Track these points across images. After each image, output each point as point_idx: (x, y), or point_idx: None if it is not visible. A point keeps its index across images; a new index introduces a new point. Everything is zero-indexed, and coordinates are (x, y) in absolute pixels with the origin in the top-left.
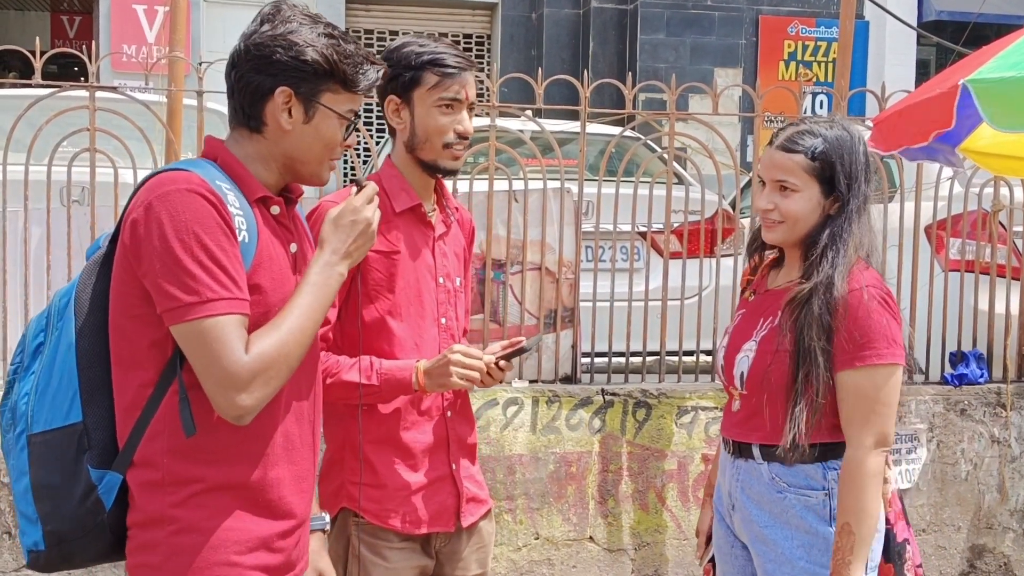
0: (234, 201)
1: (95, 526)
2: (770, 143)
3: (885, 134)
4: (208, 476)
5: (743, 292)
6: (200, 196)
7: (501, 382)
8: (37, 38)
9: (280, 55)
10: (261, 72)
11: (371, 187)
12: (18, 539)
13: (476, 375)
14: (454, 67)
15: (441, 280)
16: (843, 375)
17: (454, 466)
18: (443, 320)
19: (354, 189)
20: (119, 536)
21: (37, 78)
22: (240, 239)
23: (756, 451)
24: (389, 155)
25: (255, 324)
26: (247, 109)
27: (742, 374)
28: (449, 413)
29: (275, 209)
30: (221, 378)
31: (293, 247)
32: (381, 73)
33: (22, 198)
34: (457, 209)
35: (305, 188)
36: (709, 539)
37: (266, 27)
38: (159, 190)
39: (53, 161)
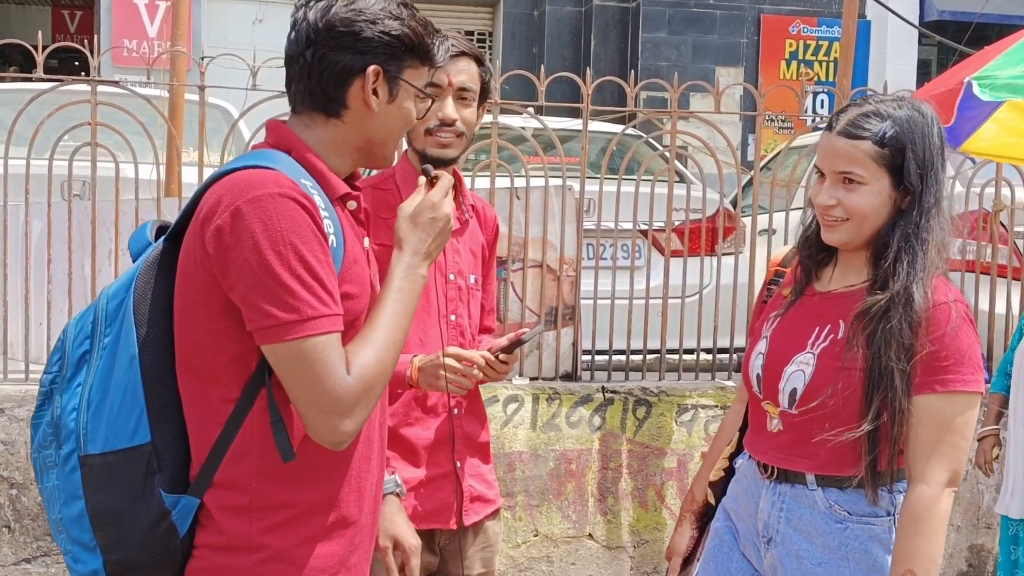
0: (320, 203)
1: (166, 552)
2: (828, 127)
3: None
4: (300, 500)
5: (769, 285)
6: (295, 202)
7: (504, 376)
8: (39, 32)
9: (369, 31)
10: (347, 50)
11: (447, 178)
12: (16, 533)
13: (466, 381)
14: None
15: (452, 277)
16: (920, 400)
17: (458, 464)
18: (452, 317)
19: (422, 180)
20: (187, 559)
21: (39, 72)
22: (331, 244)
23: (811, 476)
24: (406, 150)
25: (344, 334)
26: (329, 92)
27: (794, 391)
28: (456, 411)
29: (352, 204)
30: (324, 402)
31: (366, 241)
32: (451, 49)
33: (23, 192)
34: (474, 207)
35: None
36: (686, 562)
37: (339, 1)
38: (248, 194)
39: (54, 155)
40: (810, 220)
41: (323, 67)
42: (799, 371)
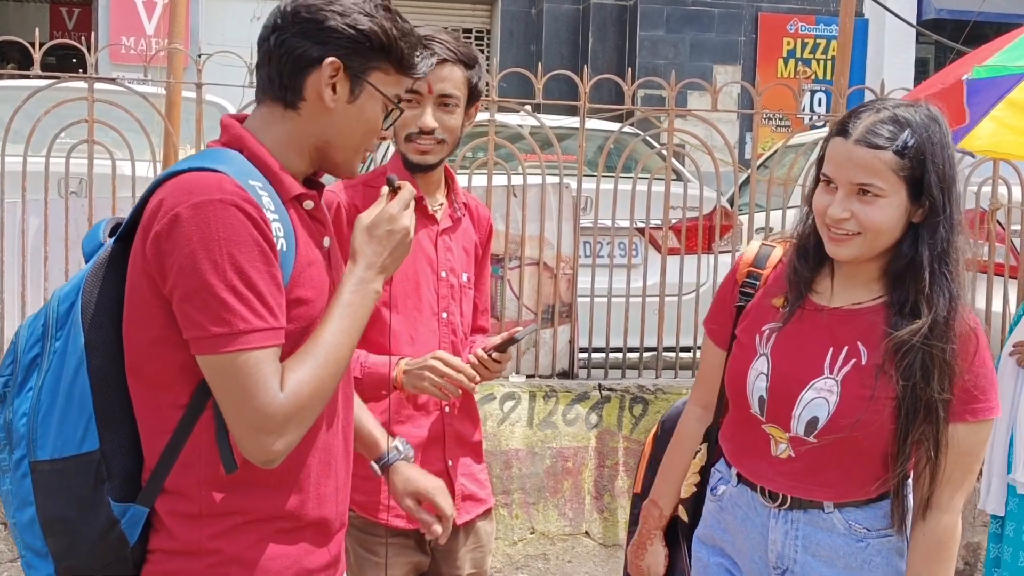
0: (269, 204)
1: (117, 560)
2: (841, 132)
3: None
4: (251, 508)
5: (743, 288)
6: (237, 208)
7: (497, 374)
8: (36, 29)
9: (335, 21)
10: (309, 38)
11: (407, 190)
12: (10, 530)
13: (452, 388)
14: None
15: (444, 274)
16: (951, 429)
17: (450, 463)
18: (444, 315)
19: (384, 190)
20: (139, 566)
21: (36, 69)
22: (280, 248)
23: (827, 503)
24: (397, 150)
25: (298, 340)
26: (286, 80)
27: (814, 420)
28: (447, 409)
29: (309, 204)
30: (252, 420)
31: (327, 241)
32: (434, 62)
33: (20, 189)
34: (467, 205)
35: None
36: None
37: None
38: (189, 199)
39: (51, 152)
40: (808, 230)
41: (283, 52)
42: (821, 399)
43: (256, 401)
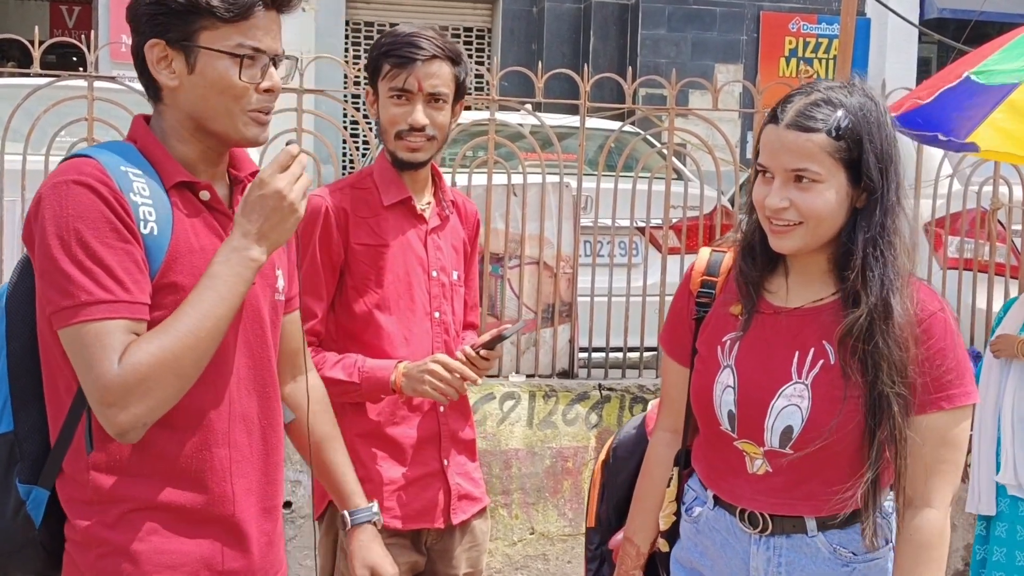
0: (142, 190)
1: (27, 542)
2: (772, 119)
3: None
4: (135, 495)
5: (698, 299)
6: (87, 188)
7: (486, 372)
8: (36, 27)
9: (141, 6)
10: (135, 32)
11: (284, 152)
12: None
13: (452, 391)
14: (403, 57)
15: (435, 274)
16: (925, 419)
17: (445, 462)
18: (437, 314)
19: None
20: (57, 551)
21: (35, 67)
22: (147, 232)
23: (811, 523)
24: (382, 149)
25: None
26: (143, 79)
27: (789, 429)
28: (442, 408)
29: (204, 195)
30: (93, 392)
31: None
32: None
33: (19, 188)
34: (454, 203)
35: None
36: None
37: None
38: (49, 183)
39: (51, 151)
40: (753, 227)
41: (133, 57)
42: (792, 406)
43: (93, 373)
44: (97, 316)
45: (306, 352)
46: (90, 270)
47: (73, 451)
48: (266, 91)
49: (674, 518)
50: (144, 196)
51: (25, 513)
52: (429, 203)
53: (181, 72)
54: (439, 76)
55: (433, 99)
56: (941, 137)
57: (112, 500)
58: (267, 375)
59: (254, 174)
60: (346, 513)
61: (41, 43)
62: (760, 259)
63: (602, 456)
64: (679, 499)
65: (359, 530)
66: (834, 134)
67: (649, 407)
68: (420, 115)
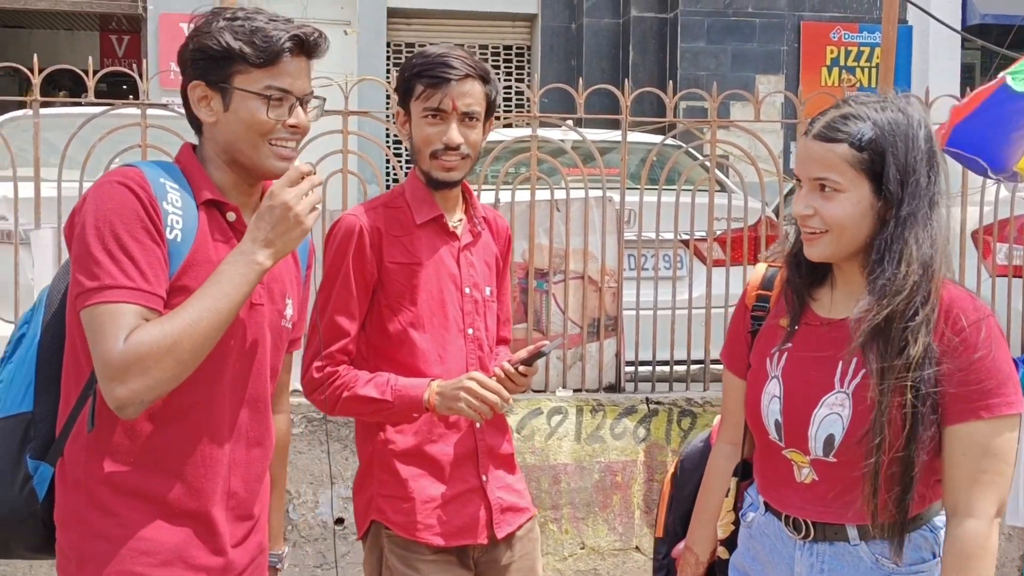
0: (175, 200)
1: (29, 515)
2: (806, 132)
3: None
4: (119, 480)
5: (753, 313)
6: (127, 188)
7: (524, 388)
8: (90, 57)
9: (187, 51)
10: (182, 74)
11: (293, 168)
12: None
13: (486, 409)
14: (437, 77)
15: (468, 290)
16: (963, 428)
17: (485, 478)
18: (470, 331)
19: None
20: (53, 533)
21: (90, 96)
22: (172, 237)
23: (852, 531)
24: (414, 167)
25: None
26: (188, 115)
27: (831, 438)
28: (478, 424)
29: (231, 216)
30: (98, 366)
31: None
32: (288, 36)
33: None
34: (485, 219)
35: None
36: None
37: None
38: (97, 183)
39: None
40: (795, 236)
41: (181, 94)
42: (834, 415)
43: (101, 348)
44: (115, 298)
45: (287, 395)
46: (118, 259)
47: (76, 432)
48: (292, 127)
49: (732, 527)
50: (175, 207)
51: (31, 487)
52: (461, 220)
53: (218, 110)
54: (472, 95)
55: (467, 118)
56: (983, 164)
57: (98, 482)
58: (261, 390)
59: None
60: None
61: (94, 73)
62: (806, 269)
63: (671, 469)
64: (737, 509)
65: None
66: (856, 145)
67: (715, 421)
68: (455, 134)
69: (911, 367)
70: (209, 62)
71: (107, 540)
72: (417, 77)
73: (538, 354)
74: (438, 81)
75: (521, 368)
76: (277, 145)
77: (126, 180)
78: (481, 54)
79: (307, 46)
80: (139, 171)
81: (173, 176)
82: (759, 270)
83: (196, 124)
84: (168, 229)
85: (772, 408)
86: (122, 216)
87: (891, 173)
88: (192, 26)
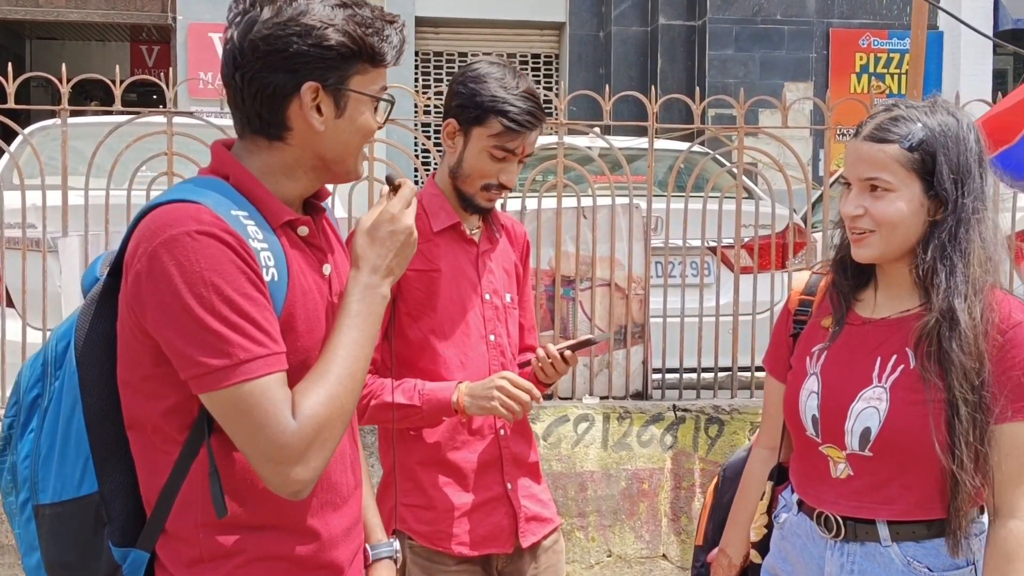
0: (256, 233)
1: None
2: (855, 134)
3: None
4: (251, 548)
5: (796, 317)
6: (214, 238)
7: (562, 375)
8: (117, 67)
9: (298, 44)
10: (277, 70)
11: (408, 187)
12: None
13: (518, 408)
14: (523, 126)
15: (488, 296)
16: (1008, 429)
17: (509, 486)
18: (492, 337)
19: (385, 190)
20: None
21: (117, 105)
22: (269, 278)
23: (883, 530)
24: (433, 173)
25: (292, 373)
26: (265, 116)
27: (867, 431)
28: (503, 432)
29: (303, 230)
30: (269, 451)
31: (327, 268)
32: (402, 30)
33: (103, 222)
34: (503, 225)
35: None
36: None
37: (267, 12)
38: (163, 234)
39: (133, 186)
40: (841, 238)
41: (254, 90)
42: (871, 408)
43: (269, 431)
44: (259, 373)
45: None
46: (239, 326)
47: (178, 510)
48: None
49: (765, 531)
50: (259, 240)
51: None
52: (479, 227)
53: (328, 116)
54: (535, 139)
55: (523, 159)
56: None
57: (225, 555)
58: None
59: (325, 200)
60: (367, 547)
61: (122, 82)
62: (851, 271)
63: (715, 480)
64: (770, 512)
65: (380, 566)
66: (907, 145)
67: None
68: (515, 177)
69: (964, 367)
70: (333, 61)
71: None
72: (498, 114)
73: (588, 342)
74: (524, 129)
75: (567, 353)
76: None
77: (208, 228)
78: (509, 62)
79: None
80: (209, 211)
81: (233, 199)
82: (803, 276)
83: (278, 129)
84: (264, 270)
85: (810, 404)
86: (222, 272)
87: (944, 173)
88: (290, 9)
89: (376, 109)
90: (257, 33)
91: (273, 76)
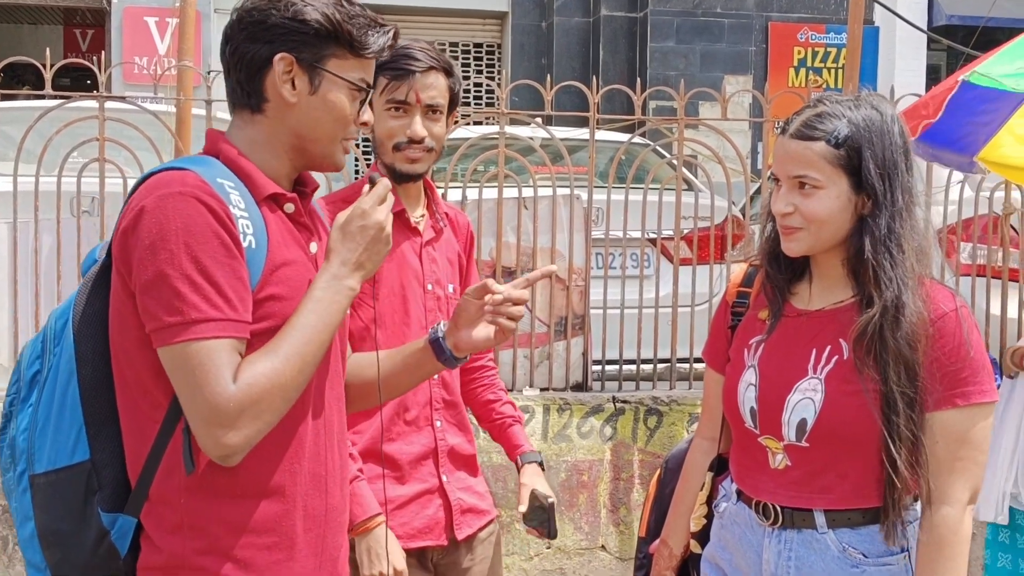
0: (238, 202)
1: (109, 573)
2: (782, 131)
3: None
4: (233, 519)
5: (734, 309)
6: (196, 200)
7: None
8: (47, 50)
9: (276, 17)
10: (257, 40)
11: (382, 185)
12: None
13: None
14: (402, 69)
15: (430, 287)
16: (939, 416)
17: (445, 478)
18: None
19: (365, 189)
20: None
21: (48, 89)
22: (247, 245)
23: (820, 518)
24: (375, 162)
25: (269, 339)
26: (245, 85)
27: (803, 422)
28: (439, 423)
29: (289, 207)
30: (204, 412)
31: (314, 247)
32: (391, 36)
33: (32, 209)
34: (447, 215)
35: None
36: None
37: None
38: (153, 194)
39: (63, 172)
40: (771, 232)
41: (236, 60)
42: (806, 399)
43: (206, 391)
44: (208, 335)
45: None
46: (200, 287)
47: (162, 474)
48: (361, 124)
49: (705, 521)
50: (241, 209)
51: (109, 543)
52: (423, 216)
53: (302, 91)
54: (435, 87)
55: (430, 111)
56: (951, 156)
57: (207, 523)
58: (340, 386)
59: (314, 190)
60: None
61: (52, 65)
62: (784, 265)
63: (657, 472)
64: (710, 503)
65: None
66: (833, 142)
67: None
68: (419, 127)
69: (905, 358)
70: (308, 37)
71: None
72: (380, 70)
73: (541, 508)
74: (402, 73)
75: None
76: (346, 140)
77: (190, 190)
78: (451, 52)
79: (391, 47)
80: (198, 176)
81: (220, 172)
82: (740, 268)
83: (257, 100)
84: (242, 236)
85: (748, 395)
86: (196, 235)
87: (871, 168)
88: None
89: (360, 103)
90: (244, 7)
91: (252, 46)
